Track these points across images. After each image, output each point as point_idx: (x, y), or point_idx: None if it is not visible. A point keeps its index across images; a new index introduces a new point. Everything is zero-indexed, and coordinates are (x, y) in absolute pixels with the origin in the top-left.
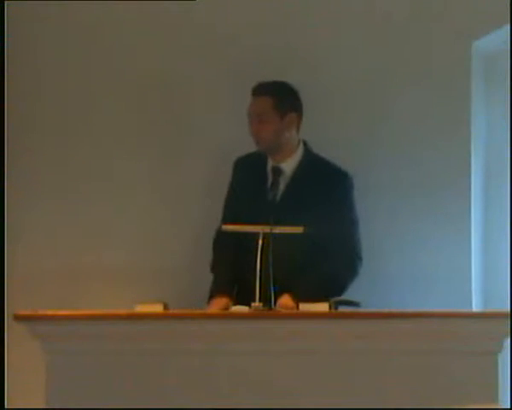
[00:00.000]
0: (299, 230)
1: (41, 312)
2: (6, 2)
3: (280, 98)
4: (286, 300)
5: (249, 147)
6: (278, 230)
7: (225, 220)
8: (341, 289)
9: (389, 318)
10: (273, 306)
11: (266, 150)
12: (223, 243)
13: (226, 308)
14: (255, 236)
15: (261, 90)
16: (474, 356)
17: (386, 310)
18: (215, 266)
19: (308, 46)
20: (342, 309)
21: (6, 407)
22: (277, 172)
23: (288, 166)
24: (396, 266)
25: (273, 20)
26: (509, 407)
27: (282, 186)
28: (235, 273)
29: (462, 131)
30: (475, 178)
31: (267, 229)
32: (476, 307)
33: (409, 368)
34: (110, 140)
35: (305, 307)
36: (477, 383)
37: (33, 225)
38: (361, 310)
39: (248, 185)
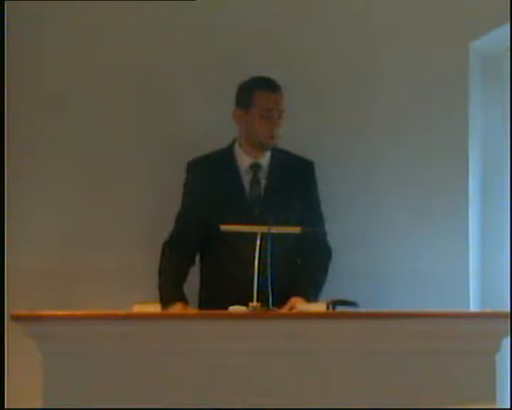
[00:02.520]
0: (297, 230)
1: (38, 312)
2: (6, 3)
3: (283, 96)
4: (298, 304)
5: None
6: (276, 230)
7: (185, 225)
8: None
9: (388, 318)
10: (271, 306)
11: (269, 147)
12: (176, 246)
13: None
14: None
15: (277, 86)
16: (472, 356)
17: (384, 310)
18: (166, 271)
19: (301, 43)
20: (341, 309)
21: (6, 407)
22: (257, 167)
23: (264, 160)
24: (394, 266)
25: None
26: (508, 407)
27: (262, 182)
28: (184, 278)
29: (459, 130)
30: (473, 178)
31: (265, 229)
32: (473, 307)
33: (408, 368)
34: (109, 138)
35: (305, 307)
36: (475, 383)
37: (33, 225)
38: (360, 310)
39: (218, 186)
